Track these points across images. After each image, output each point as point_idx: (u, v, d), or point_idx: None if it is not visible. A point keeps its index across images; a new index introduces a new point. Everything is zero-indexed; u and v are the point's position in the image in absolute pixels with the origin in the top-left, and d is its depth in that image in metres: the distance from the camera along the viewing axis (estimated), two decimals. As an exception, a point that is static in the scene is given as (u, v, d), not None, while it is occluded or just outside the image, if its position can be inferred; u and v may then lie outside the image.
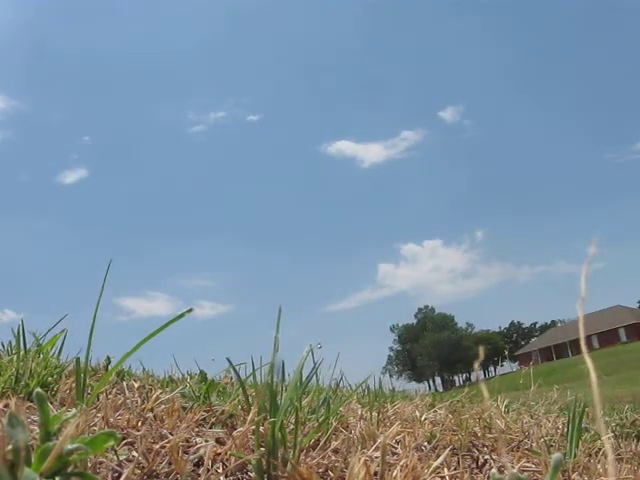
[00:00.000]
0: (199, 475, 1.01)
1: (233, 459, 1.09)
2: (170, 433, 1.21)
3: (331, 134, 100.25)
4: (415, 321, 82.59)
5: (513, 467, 1.45)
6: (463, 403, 2.46)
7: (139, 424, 1.24)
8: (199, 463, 1.05)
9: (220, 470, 1.06)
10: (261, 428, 1.06)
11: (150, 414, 1.34)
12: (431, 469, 1.15)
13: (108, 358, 2.14)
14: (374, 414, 1.82)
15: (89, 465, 0.89)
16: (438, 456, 1.25)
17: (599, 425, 1.82)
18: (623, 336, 59.28)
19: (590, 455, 1.71)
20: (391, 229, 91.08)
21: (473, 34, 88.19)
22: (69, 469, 0.70)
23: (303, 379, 1.53)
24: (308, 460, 1.14)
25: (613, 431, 2.30)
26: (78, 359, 1.34)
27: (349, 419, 1.75)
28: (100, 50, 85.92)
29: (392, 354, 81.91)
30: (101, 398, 1.36)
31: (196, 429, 1.31)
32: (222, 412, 1.44)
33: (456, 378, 77.11)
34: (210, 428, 1.35)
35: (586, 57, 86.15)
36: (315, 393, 1.66)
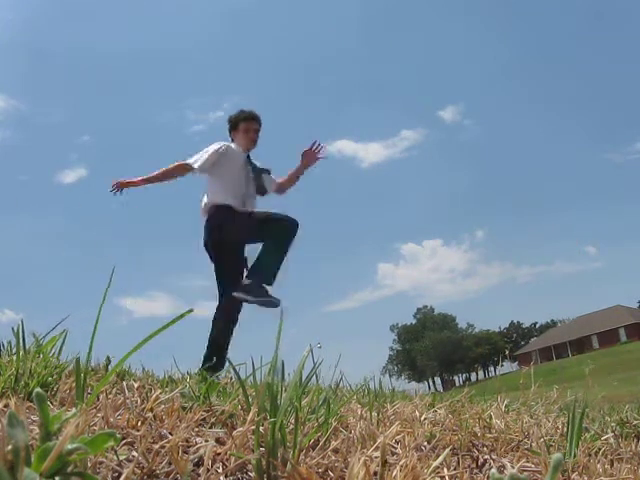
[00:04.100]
0: (199, 475, 1.01)
1: (233, 459, 1.08)
2: (170, 433, 1.21)
3: (331, 134, 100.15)
4: (415, 321, 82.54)
5: (513, 467, 1.45)
6: (463, 403, 2.46)
7: (139, 424, 1.24)
8: (199, 463, 1.05)
9: (220, 470, 1.06)
10: (261, 428, 1.06)
11: (150, 414, 1.34)
12: (431, 469, 1.15)
13: (108, 358, 2.14)
14: (374, 414, 1.82)
15: (89, 465, 0.89)
16: (438, 456, 1.25)
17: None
18: (623, 336, 59.28)
19: (590, 455, 1.71)
20: (391, 229, 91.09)
21: (473, 33, 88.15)
22: (69, 469, 0.70)
23: (303, 379, 1.53)
24: (308, 460, 1.14)
25: (613, 431, 2.30)
26: (78, 359, 1.34)
27: (349, 419, 1.75)
28: (100, 50, 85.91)
29: (392, 354, 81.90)
30: (101, 398, 1.36)
31: (196, 429, 1.30)
32: (222, 412, 1.44)
33: (456, 378, 77.08)
34: (210, 428, 1.35)
35: (586, 57, 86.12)
36: (315, 393, 1.66)
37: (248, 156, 4.70)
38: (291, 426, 1.21)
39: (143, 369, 2.44)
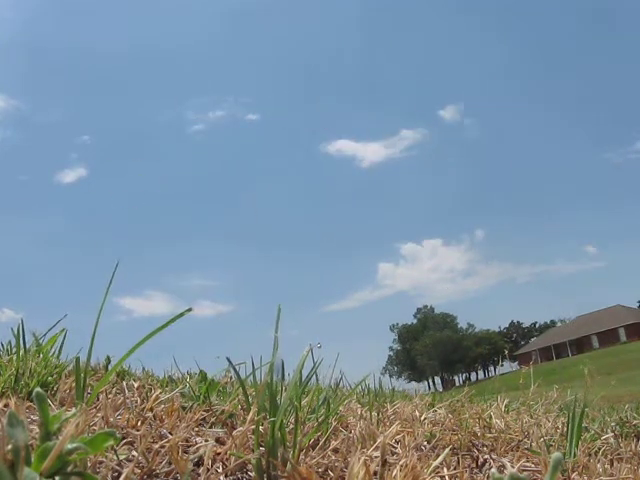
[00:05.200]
0: (199, 475, 1.01)
1: (233, 459, 1.09)
2: (170, 433, 1.21)
3: (331, 133, 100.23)
4: (415, 321, 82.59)
5: (513, 467, 1.45)
6: (463, 403, 2.46)
7: (139, 424, 1.24)
8: (199, 463, 1.05)
9: (220, 470, 1.06)
10: (261, 428, 1.06)
11: (150, 414, 1.34)
12: (431, 469, 1.15)
13: (108, 358, 2.14)
14: (374, 414, 1.82)
15: (89, 465, 0.89)
16: (438, 456, 1.25)
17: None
18: (623, 336, 59.26)
19: (590, 455, 1.71)
20: (391, 229, 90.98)
21: (473, 33, 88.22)
22: (69, 469, 0.70)
23: (303, 379, 1.53)
24: (308, 460, 1.14)
25: (613, 431, 2.30)
26: (78, 359, 1.34)
27: (349, 419, 1.75)
28: (100, 49, 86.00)
29: (392, 354, 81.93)
30: (101, 398, 1.36)
31: (196, 429, 1.31)
32: (222, 412, 1.44)
33: (456, 378, 77.10)
34: (210, 428, 1.35)
35: (586, 57, 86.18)
36: (315, 393, 1.66)
37: None
38: (291, 426, 1.21)
39: (143, 369, 2.44)
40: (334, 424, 1.45)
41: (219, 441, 1.21)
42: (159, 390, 1.56)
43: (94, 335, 1.29)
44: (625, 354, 42.29)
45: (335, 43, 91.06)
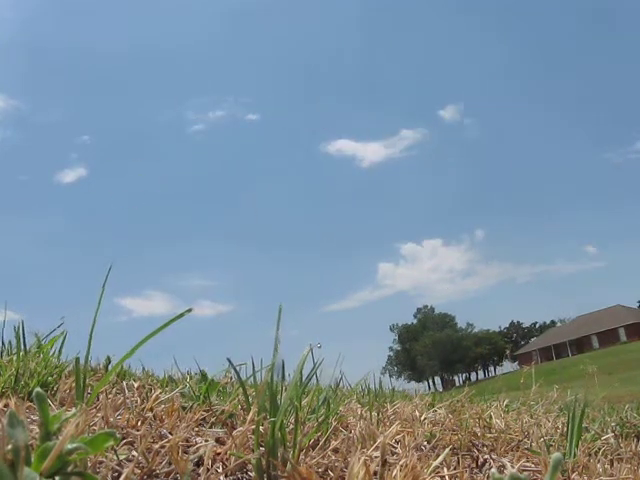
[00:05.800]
0: (199, 475, 1.01)
1: (233, 459, 1.09)
2: (170, 433, 1.21)
3: (330, 133, 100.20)
4: (415, 321, 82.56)
5: (513, 467, 1.45)
6: (463, 403, 2.46)
7: (139, 424, 1.24)
8: (199, 463, 1.05)
9: (220, 470, 1.06)
10: (261, 428, 1.06)
11: (150, 414, 1.34)
12: (431, 469, 1.15)
13: (108, 358, 2.14)
14: (374, 414, 1.82)
15: (89, 465, 0.89)
16: (438, 456, 1.25)
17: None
18: (623, 336, 59.25)
19: (590, 455, 1.71)
20: (391, 229, 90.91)
21: (473, 32, 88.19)
22: (69, 469, 0.70)
23: (303, 379, 1.53)
24: (308, 460, 1.14)
25: (613, 431, 2.30)
26: (78, 359, 1.34)
27: (349, 419, 1.75)
28: (100, 49, 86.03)
29: (392, 354, 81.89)
30: (101, 398, 1.36)
31: (196, 429, 1.31)
32: (222, 412, 1.44)
33: (456, 378, 77.08)
34: (210, 428, 1.35)
35: (586, 56, 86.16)
36: (315, 393, 1.66)
37: None
38: (291, 426, 1.21)
39: (143, 369, 2.44)
40: (334, 424, 1.45)
41: (219, 441, 1.21)
42: (159, 390, 1.56)
43: (91, 335, 1.29)
44: (625, 354, 42.29)
45: (335, 43, 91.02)
